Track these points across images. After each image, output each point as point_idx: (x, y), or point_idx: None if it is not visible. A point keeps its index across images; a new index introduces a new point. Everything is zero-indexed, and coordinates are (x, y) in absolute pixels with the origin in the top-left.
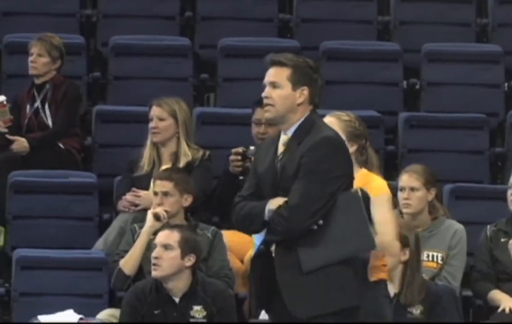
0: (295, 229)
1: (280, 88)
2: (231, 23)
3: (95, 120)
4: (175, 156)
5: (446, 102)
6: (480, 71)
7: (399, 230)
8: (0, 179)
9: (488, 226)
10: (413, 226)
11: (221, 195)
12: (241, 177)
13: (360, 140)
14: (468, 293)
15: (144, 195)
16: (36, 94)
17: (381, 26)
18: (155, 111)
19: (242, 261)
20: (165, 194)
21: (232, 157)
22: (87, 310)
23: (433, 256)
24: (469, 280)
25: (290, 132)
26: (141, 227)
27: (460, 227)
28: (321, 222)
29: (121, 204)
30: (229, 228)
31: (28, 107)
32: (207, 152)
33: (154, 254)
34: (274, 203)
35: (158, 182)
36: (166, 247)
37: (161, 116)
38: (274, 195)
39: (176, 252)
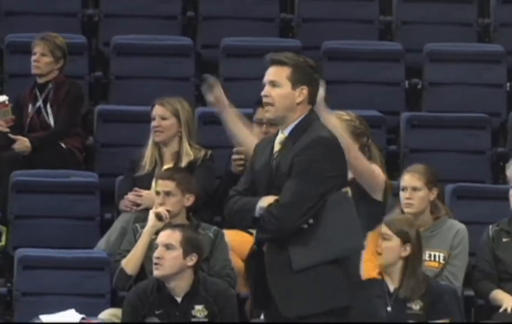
0: (286, 227)
1: (279, 87)
2: (233, 23)
3: (97, 119)
4: (177, 156)
5: (448, 102)
6: (482, 71)
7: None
8: (2, 179)
9: (490, 226)
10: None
11: (223, 194)
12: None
13: (361, 138)
14: (470, 293)
15: (146, 195)
16: (38, 93)
17: (383, 26)
18: (157, 110)
19: (244, 261)
20: (167, 193)
21: (234, 156)
22: (89, 309)
23: (435, 256)
24: (471, 280)
25: (287, 131)
26: (143, 227)
27: (462, 227)
28: (311, 221)
29: (123, 203)
30: (231, 227)
31: (30, 106)
32: (209, 152)
33: (156, 254)
34: (266, 201)
35: (160, 181)
36: (168, 246)
37: (163, 115)
38: (268, 193)
39: (178, 252)
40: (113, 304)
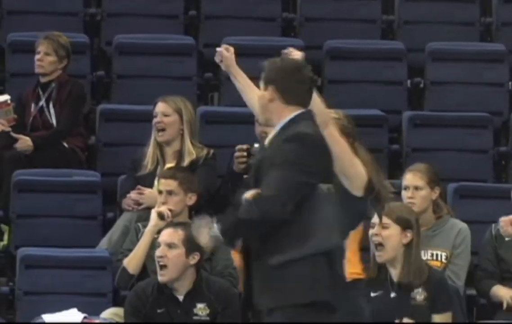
0: (269, 216)
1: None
2: (235, 22)
3: (99, 119)
4: (179, 155)
5: (450, 101)
6: (484, 70)
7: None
8: (4, 178)
9: (493, 225)
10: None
11: (225, 194)
12: (245, 176)
13: (347, 138)
14: (472, 292)
15: (148, 194)
16: (41, 93)
17: (385, 25)
18: (160, 107)
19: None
20: (170, 192)
21: (237, 154)
22: (91, 309)
23: (437, 255)
24: (473, 279)
25: (274, 131)
26: (145, 226)
27: (464, 226)
28: (291, 217)
29: (126, 202)
30: None
31: (33, 105)
32: (211, 151)
33: (158, 253)
34: (249, 194)
35: (162, 180)
36: (170, 245)
37: (166, 112)
38: (256, 188)
39: (181, 251)
40: (115, 303)
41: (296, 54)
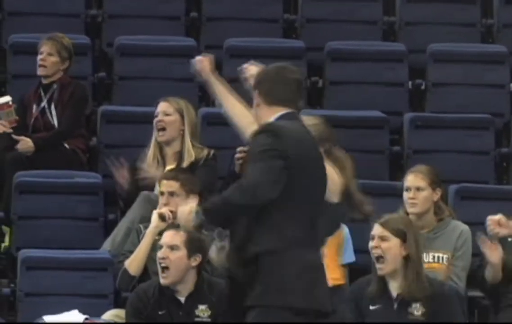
0: (250, 201)
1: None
2: (236, 23)
3: (100, 120)
4: (179, 156)
5: (451, 103)
6: (486, 71)
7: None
8: (6, 180)
9: None
10: (418, 226)
11: None
12: None
13: (324, 143)
14: (474, 293)
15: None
16: (42, 94)
17: (386, 26)
18: (161, 106)
19: None
20: (171, 194)
21: (237, 155)
22: (92, 310)
23: (438, 257)
24: (474, 281)
25: None
26: (146, 228)
27: (465, 228)
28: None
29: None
30: None
31: (34, 107)
32: (212, 152)
33: (160, 254)
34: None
35: (164, 182)
36: (172, 247)
37: (167, 111)
38: None
39: (182, 253)
40: (116, 305)
41: (252, 69)
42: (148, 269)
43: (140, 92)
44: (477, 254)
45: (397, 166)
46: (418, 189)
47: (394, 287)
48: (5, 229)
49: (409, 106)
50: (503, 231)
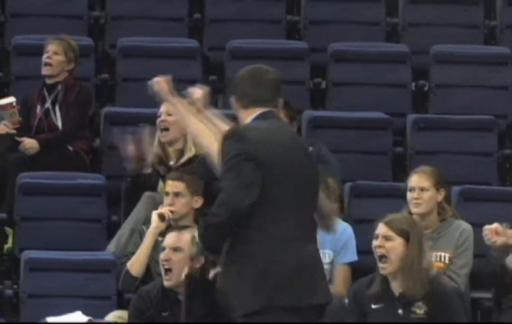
0: (231, 215)
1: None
2: (239, 25)
3: (103, 121)
4: (181, 154)
5: (454, 104)
6: (489, 73)
7: None
8: (9, 181)
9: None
10: (421, 226)
11: None
12: None
13: None
14: (477, 294)
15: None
16: (46, 94)
17: (389, 27)
18: (164, 106)
19: None
20: (177, 194)
21: None
22: (95, 311)
23: (440, 256)
24: (477, 282)
25: None
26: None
27: (467, 226)
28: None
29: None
30: None
31: (38, 107)
32: None
33: (163, 256)
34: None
35: (169, 182)
36: (175, 249)
37: (170, 111)
38: None
39: (185, 254)
40: (120, 306)
41: (197, 93)
42: (151, 270)
43: (143, 94)
44: (480, 255)
45: (400, 167)
46: (422, 189)
47: (397, 287)
48: (8, 230)
49: (412, 107)
50: (500, 240)
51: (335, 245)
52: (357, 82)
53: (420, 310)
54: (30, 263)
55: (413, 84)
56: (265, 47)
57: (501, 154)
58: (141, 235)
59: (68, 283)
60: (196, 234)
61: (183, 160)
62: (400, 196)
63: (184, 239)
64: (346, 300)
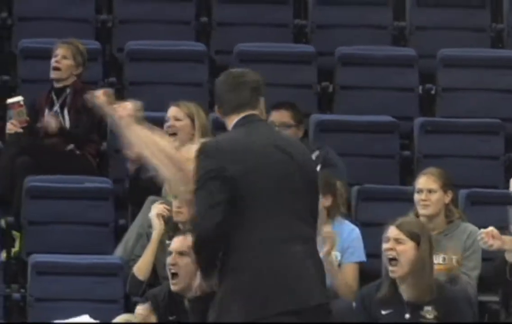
0: (203, 239)
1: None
2: (247, 28)
3: (111, 125)
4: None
5: (461, 108)
6: (496, 76)
7: None
8: (16, 185)
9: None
10: (428, 228)
11: None
12: None
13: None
14: (484, 298)
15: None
16: (55, 98)
17: (396, 31)
18: (172, 111)
19: None
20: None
21: None
22: (102, 315)
23: (448, 259)
24: (484, 285)
25: None
26: None
27: (474, 229)
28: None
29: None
30: None
31: (46, 111)
32: None
33: (169, 261)
34: None
35: None
36: (181, 253)
37: (177, 116)
38: None
39: (191, 258)
40: (127, 310)
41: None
42: (158, 274)
43: (150, 97)
44: (487, 258)
45: (407, 170)
46: (430, 191)
47: (405, 291)
48: (16, 234)
49: (419, 111)
50: (496, 244)
51: (341, 246)
52: (364, 86)
53: (429, 314)
54: (38, 266)
55: (420, 87)
56: (272, 51)
57: (507, 157)
58: (148, 237)
59: (75, 287)
60: None
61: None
62: (407, 199)
63: (189, 243)
64: (354, 304)
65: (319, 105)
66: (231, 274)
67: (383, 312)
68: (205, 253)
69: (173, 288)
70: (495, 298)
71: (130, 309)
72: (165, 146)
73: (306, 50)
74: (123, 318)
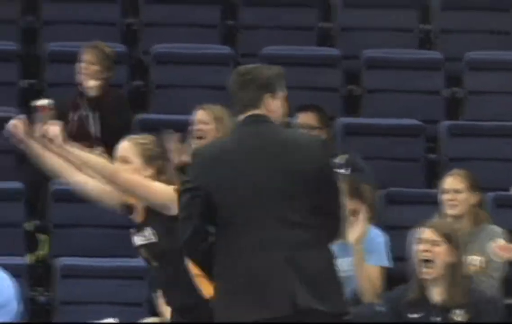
0: (183, 246)
1: None
2: (272, 31)
3: (136, 128)
4: None
5: (487, 111)
6: None
7: None
8: (41, 188)
9: None
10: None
11: None
12: None
13: (156, 161)
14: (510, 301)
15: None
16: (82, 102)
17: (422, 34)
18: (199, 115)
19: None
20: None
21: None
22: (128, 318)
23: (474, 260)
24: (510, 288)
25: None
26: None
27: (499, 230)
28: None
29: None
30: None
31: (72, 115)
32: None
33: None
34: None
35: None
36: None
37: (204, 120)
38: None
39: None
40: (152, 313)
41: (53, 130)
42: None
43: (176, 100)
44: None
45: (433, 174)
46: (456, 191)
47: (437, 293)
48: (42, 237)
49: (445, 114)
50: (507, 255)
51: (366, 249)
52: (390, 89)
53: (459, 317)
54: (64, 270)
55: (447, 90)
56: (298, 54)
57: None
58: None
59: (100, 290)
60: None
61: None
62: (433, 202)
63: None
64: (378, 307)
65: (346, 109)
66: (217, 282)
67: (411, 316)
68: (192, 260)
69: None
70: None
71: (155, 312)
72: (97, 161)
73: (332, 53)
74: (148, 322)
